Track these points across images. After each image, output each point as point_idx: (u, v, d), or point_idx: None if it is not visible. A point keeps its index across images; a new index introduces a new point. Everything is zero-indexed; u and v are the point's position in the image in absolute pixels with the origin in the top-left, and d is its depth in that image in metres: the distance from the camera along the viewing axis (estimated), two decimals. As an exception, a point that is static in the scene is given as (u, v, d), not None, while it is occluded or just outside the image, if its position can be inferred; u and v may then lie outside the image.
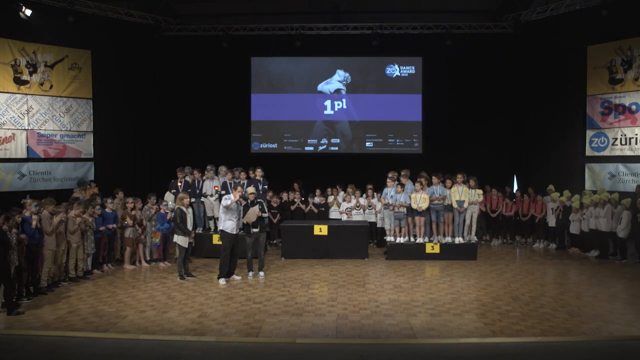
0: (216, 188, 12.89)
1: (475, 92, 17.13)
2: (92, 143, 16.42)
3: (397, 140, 18.07)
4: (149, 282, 10.52)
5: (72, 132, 16.06)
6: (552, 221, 14.10)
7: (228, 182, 12.87)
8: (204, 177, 13.23)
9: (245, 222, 10.66)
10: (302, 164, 17.49)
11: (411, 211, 12.64)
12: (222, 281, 10.30)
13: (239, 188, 10.55)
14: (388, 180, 12.87)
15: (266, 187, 13.01)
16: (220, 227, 10.56)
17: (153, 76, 17.10)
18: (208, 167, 13.39)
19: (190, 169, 13.43)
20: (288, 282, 10.43)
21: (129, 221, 11.50)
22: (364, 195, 14.42)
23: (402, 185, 12.71)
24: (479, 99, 17.03)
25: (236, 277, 10.53)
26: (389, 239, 12.92)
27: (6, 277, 8.28)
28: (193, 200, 12.76)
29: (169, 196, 12.85)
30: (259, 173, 12.96)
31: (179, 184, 12.95)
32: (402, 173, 13.02)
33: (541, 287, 10.10)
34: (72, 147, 16.09)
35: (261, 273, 10.92)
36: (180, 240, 10.58)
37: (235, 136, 17.82)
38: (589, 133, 16.03)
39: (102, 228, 11.03)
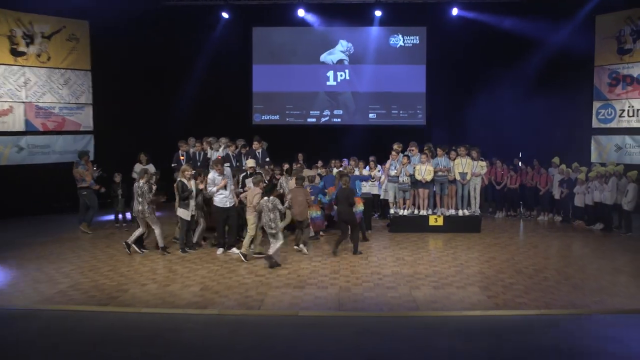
0: (219, 157, 12.73)
1: (481, 62, 16.95)
2: (91, 115, 16.30)
3: (401, 112, 17.99)
4: (151, 255, 10.55)
5: (70, 104, 15.95)
6: (556, 193, 14.05)
7: (231, 154, 12.88)
8: (209, 149, 13.26)
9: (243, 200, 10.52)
10: (305, 135, 17.44)
11: (415, 183, 12.63)
12: (218, 251, 10.48)
13: (218, 167, 10.50)
14: (393, 152, 12.85)
15: (267, 159, 12.99)
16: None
17: (153, 47, 16.86)
18: (210, 138, 13.37)
19: (194, 140, 13.44)
20: (290, 255, 10.45)
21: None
22: (367, 167, 14.37)
23: (408, 157, 12.68)
24: (485, 69, 16.83)
25: (235, 251, 10.46)
26: (392, 211, 12.92)
27: None
28: (195, 172, 12.57)
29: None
30: (259, 145, 12.97)
31: (182, 157, 12.93)
32: (425, 147, 12.91)
33: (545, 259, 10.12)
34: (71, 119, 15.99)
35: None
36: (181, 212, 10.58)
37: (237, 108, 17.72)
38: (596, 104, 15.92)
39: None
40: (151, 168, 12.93)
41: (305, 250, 10.63)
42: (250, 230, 10.13)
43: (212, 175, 10.51)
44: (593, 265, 9.72)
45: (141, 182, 10.50)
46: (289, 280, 8.75)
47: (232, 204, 10.56)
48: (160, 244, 10.60)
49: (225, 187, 10.41)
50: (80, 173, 12.67)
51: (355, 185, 11.79)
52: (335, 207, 11.04)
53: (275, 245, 9.70)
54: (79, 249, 11.06)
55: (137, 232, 10.61)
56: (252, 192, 10.10)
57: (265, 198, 9.81)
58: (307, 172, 12.66)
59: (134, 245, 10.59)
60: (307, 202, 10.73)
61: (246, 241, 10.14)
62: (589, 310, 7.37)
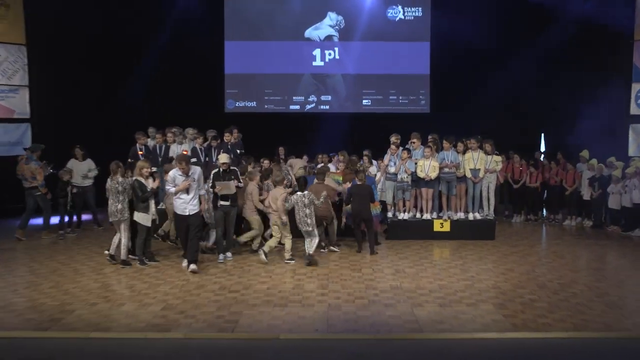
0: (185, 152, 12.66)
1: (495, 38, 16.97)
2: (27, 100, 16.02)
3: (401, 98, 18.07)
4: (102, 268, 10.42)
5: (1, 86, 15.60)
6: (586, 194, 14.03)
7: (198, 147, 12.85)
8: (172, 142, 13.21)
9: (216, 192, 10.58)
10: (287, 126, 17.41)
11: (417, 181, 12.59)
12: (184, 263, 10.32)
13: (182, 164, 9.96)
14: (391, 145, 12.82)
15: (243, 151, 13.02)
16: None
17: (104, 18, 16.65)
18: (174, 129, 13.28)
19: (155, 131, 13.39)
20: (270, 267, 10.39)
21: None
22: (360, 163, 14.19)
23: (409, 151, 12.70)
24: (500, 46, 16.94)
25: (192, 267, 10.07)
26: (390, 214, 12.87)
27: None
28: (155, 169, 12.63)
29: (71, 163, 13.24)
30: (232, 137, 12.93)
31: (140, 152, 12.85)
32: (429, 139, 12.98)
33: (573, 272, 10.11)
34: (1, 104, 15.66)
35: (228, 254, 11.01)
36: (140, 217, 10.46)
37: (206, 93, 17.69)
38: (635, 87, 15.84)
39: None
40: (86, 165, 13.13)
41: (336, 249, 11.65)
42: (276, 234, 10.90)
43: (174, 173, 10.12)
44: (632, 279, 9.71)
45: (119, 177, 10.50)
46: (269, 296, 8.67)
47: (195, 212, 10.15)
48: (123, 256, 10.54)
49: (187, 192, 10.02)
50: (32, 170, 12.58)
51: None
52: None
53: (313, 243, 10.57)
54: (12, 262, 10.91)
55: (140, 241, 10.60)
56: (276, 194, 10.72)
57: (300, 193, 10.59)
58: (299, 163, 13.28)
59: (132, 256, 10.64)
60: (329, 199, 11.33)
61: (272, 242, 10.87)
62: (627, 334, 7.28)
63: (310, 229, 10.55)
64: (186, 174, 9.98)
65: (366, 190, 11.35)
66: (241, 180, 11.15)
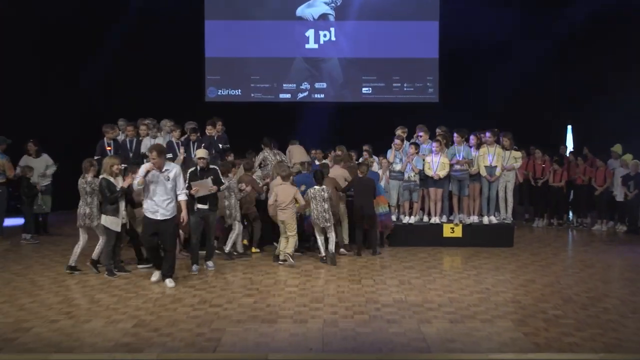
0: None
1: (512, 16, 16.95)
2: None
3: (405, 85, 18.16)
4: (64, 279, 10.38)
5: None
6: (619, 194, 14.06)
7: (175, 141, 12.85)
8: (146, 136, 13.17)
9: (192, 193, 10.46)
10: (276, 117, 17.35)
11: (425, 180, 12.57)
12: (153, 277, 10.25)
13: (153, 155, 9.61)
14: (396, 140, 12.81)
15: (227, 146, 13.01)
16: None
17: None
18: (147, 121, 13.24)
19: (125, 123, 13.30)
20: (257, 277, 10.37)
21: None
22: (360, 160, 14.12)
23: (417, 146, 12.69)
24: (519, 26, 16.93)
25: (170, 284, 9.96)
26: (394, 217, 12.87)
27: None
28: (125, 166, 12.30)
29: (24, 160, 13.21)
30: (215, 129, 12.93)
31: (108, 147, 12.83)
32: (438, 131, 12.99)
33: (604, 284, 10.11)
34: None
35: (209, 263, 11.12)
36: (109, 221, 10.44)
37: (184, 79, 17.63)
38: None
39: None
40: (42, 161, 13.21)
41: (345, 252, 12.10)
42: (293, 233, 11.27)
43: (145, 166, 9.83)
44: (672, 292, 9.69)
45: (89, 176, 10.53)
46: (256, 311, 8.65)
47: (168, 217, 9.88)
48: (94, 256, 10.62)
49: (158, 192, 9.72)
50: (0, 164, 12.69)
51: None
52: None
53: (332, 240, 11.33)
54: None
55: (108, 249, 10.56)
56: (286, 191, 11.15)
57: (316, 187, 11.26)
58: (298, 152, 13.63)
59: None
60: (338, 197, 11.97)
61: (290, 245, 11.22)
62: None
63: (329, 224, 11.28)
64: (159, 167, 9.69)
65: (369, 184, 11.68)
66: (223, 181, 11.10)
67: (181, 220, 10.03)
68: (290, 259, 11.13)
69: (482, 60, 17.32)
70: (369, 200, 11.68)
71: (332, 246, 11.37)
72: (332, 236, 11.38)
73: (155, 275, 10.22)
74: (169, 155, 11.98)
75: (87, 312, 8.68)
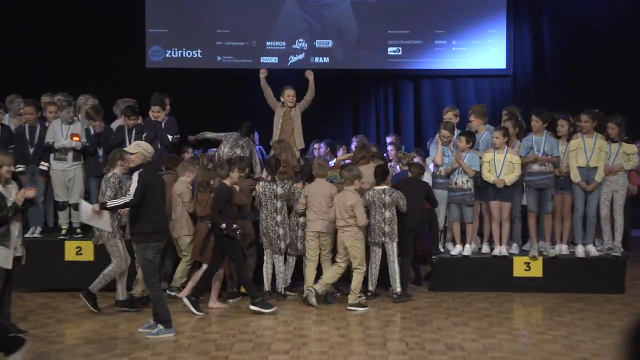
0: (76, 138, 10.93)
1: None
2: None
3: (454, 44, 15.24)
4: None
5: None
6: None
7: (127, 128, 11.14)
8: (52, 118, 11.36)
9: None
10: (256, 93, 14.16)
11: (484, 189, 10.49)
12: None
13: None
14: (442, 130, 10.61)
15: (178, 136, 11.16)
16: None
17: None
18: (58, 97, 11.22)
19: (20, 101, 11.42)
20: (238, 337, 8.47)
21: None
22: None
23: (472, 136, 10.51)
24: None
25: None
26: (441, 247, 10.88)
27: None
28: (22, 168, 10.65)
29: None
30: (163, 112, 10.97)
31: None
32: (505, 114, 10.88)
33: None
34: None
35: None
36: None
37: (116, 37, 15.10)
38: None
39: None
40: None
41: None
42: (341, 262, 9.73)
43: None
44: None
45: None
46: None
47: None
48: (122, 295, 9.57)
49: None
50: None
51: None
52: None
53: (394, 259, 9.75)
54: None
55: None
56: (347, 198, 9.45)
57: (378, 188, 9.75)
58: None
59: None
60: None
61: (333, 274, 9.69)
62: None
63: (386, 240, 9.76)
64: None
65: (420, 186, 10.05)
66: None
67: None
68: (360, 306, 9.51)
69: (570, 8, 14.98)
70: (420, 208, 10.04)
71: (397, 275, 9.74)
72: (394, 254, 9.70)
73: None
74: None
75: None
